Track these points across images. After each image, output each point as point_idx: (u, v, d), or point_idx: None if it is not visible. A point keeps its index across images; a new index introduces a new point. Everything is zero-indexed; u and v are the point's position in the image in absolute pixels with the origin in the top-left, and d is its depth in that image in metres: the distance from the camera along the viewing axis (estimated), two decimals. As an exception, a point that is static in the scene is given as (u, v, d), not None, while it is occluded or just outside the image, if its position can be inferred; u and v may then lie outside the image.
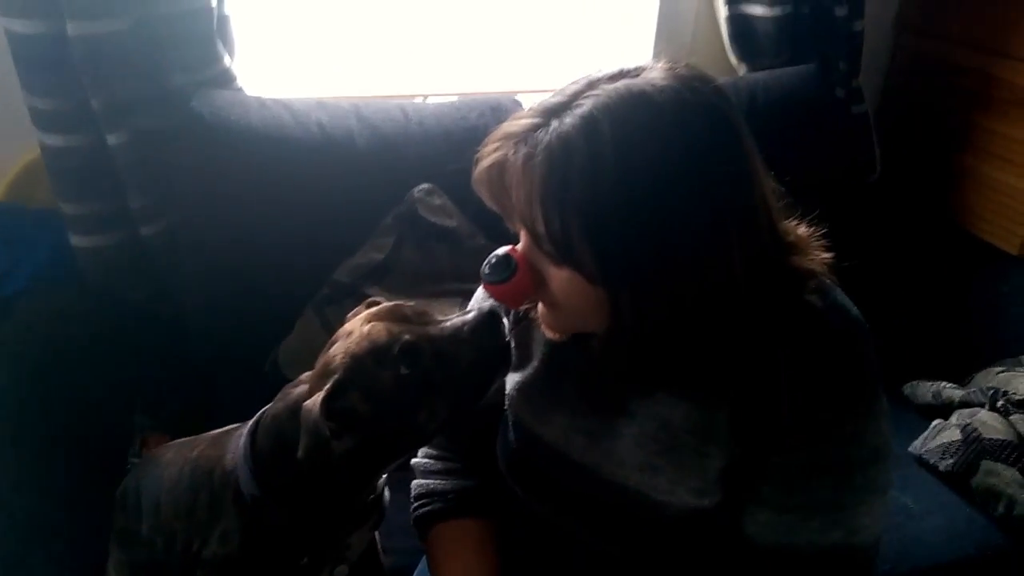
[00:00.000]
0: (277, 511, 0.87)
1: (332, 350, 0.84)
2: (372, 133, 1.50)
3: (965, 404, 1.39)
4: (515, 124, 0.72)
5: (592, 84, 0.70)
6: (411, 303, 0.89)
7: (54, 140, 1.39)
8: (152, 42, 1.36)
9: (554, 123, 0.68)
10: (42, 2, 1.28)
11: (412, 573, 1.06)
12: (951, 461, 1.29)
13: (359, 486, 0.90)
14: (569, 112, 0.68)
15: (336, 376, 0.81)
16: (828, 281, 0.80)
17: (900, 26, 1.95)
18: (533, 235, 0.73)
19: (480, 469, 1.00)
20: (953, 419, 1.35)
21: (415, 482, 1.03)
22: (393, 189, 1.49)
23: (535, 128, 0.69)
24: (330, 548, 0.92)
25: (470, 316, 0.83)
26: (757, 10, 1.72)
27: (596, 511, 0.86)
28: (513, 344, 0.92)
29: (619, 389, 0.83)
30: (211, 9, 1.39)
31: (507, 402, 0.93)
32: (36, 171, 1.49)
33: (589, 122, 0.67)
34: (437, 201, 1.48)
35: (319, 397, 0.79)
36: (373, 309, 0.87)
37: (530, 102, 1.41)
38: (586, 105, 0.68)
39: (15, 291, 1.51)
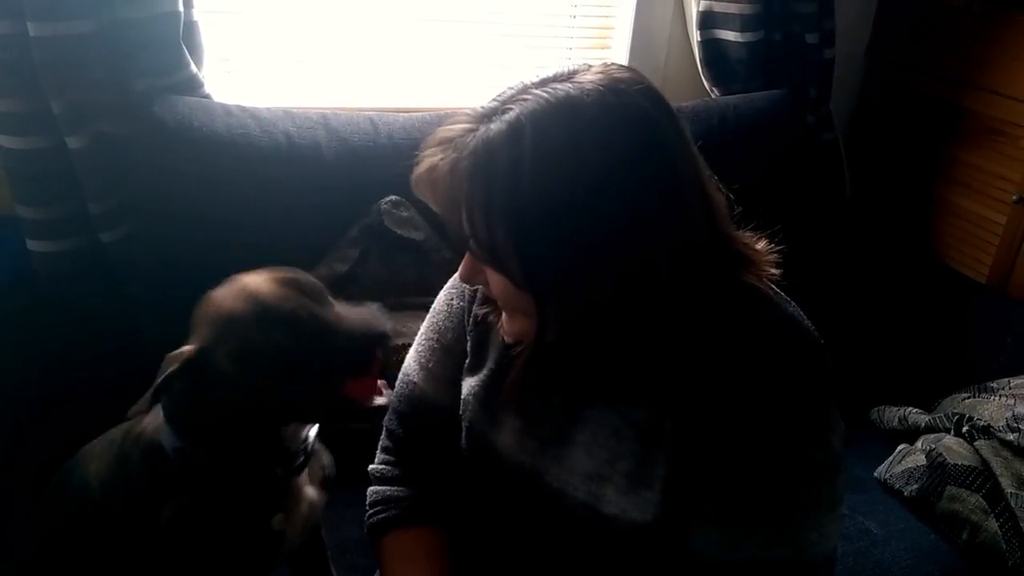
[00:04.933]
0: (200, 457, 0.86)
1: (217, 293, 0.84)
2: (340, 145, 1.49)
3: (931, 429, 1.38)
4: (450, 129, 0.71)
5: (524, 89, 0.70)
6: (310, 277, 0.88)
7: (13, 142, 1.36)
8: (116, 46, 1.34)
9: (482, 128, 0.68)
10: (3, 2, 1.26)
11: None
12: (916, 486, 1.27)
13: (259, 439, 0.88)
14: (498, 117, 0.68)
15: (208, 332, 0.81)
16: (779, 293, 0.79)
17: (871, 55, 1.97)
18: (463, 240, 0.72)
19: (435, 477, 0.98)
20: (918, 444, 1.34)
21: (370, 488, 1.00)
22: (360, 201, 1.48)
23: (466, 133, 0.69)
24: (267, 492, 0.90)
25: (364, 317, 0.83)
26: (730, 35, 1.74)
27: (546, 521, 0.84)
28: (472, 341, 0.91)
29: (567, 395, 0.81)
30: (178, 14, 1.37)
31: (462, 408, 0.91)
32: (-7, 174, 1.46)
33: (513, 128, 0.66)
34: (404, 213, 1.47)
35: (186, 351, 0.80)
36: (274, 270, 0.86)
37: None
38: (514, 111, 0.67)
39: (-32, 297, 1.47)
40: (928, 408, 1.45)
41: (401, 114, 1.56)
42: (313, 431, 0.96)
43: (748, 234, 0.77)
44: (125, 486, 0.92)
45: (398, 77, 1.73)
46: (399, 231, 1.46)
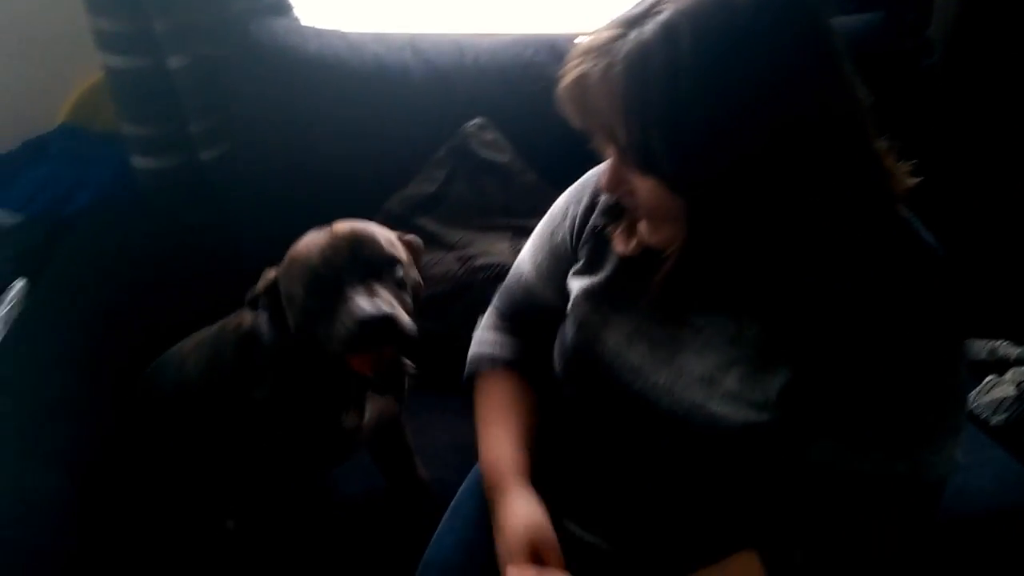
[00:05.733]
0: (291, 351, 0.96)
1: (307, 235, 0.95)
2: (427, 67, 1.50)
3: (1021, 362, 1.35)
4: (596, 38, 0.72)
5: None
6: (377, 246, 0.93)
7: (117, 61, 1.42)
8: (213, -35, 1.38)
9: (634, 32, 0.68)
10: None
11: (456, 490, 1.08)
12: (1003, 416, 1.26)
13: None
14: (649, 20, 0.68)
15: (283, 264, 0.94)
16: (915, 218, 0.78)
17: (974, -23, 1.87)
18: (616, 147, 0.73)
19: (535, 349, 1.02)
20: (1008, 376, 1.32)
21: (474, 335, 1.07)
22: (446, 123, 1.50)
23: (615, 39, 0.70)
24: (343, 389, 1.00)
25: (377, 310, 0.85)
26: (825, -45, 1.67)
27: (648, 418, 0.85)
28: (588, 249, 0.93)
29: (687, 303, 0.82)
30: (272, -66, 1.40)
31: (572, 304, 0.94)
32: (100, 93, 1.53)
33: (668, 29, 0.67)
34: (489, 136, 1.48)
35: (271, 274, 0.95)
36: (353, 231, 0.92)
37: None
38: (665, 12, 0.67)
39: (78, 210, 1.56)
40: (1021, 342, 1.42)
41: (487, 37, 1.56)
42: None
43: (883, 145, 0.75)
44: (219, 372, 1.04)
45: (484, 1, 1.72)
46: (484, 154, 1.48)
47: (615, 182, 0.78)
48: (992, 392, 1.30)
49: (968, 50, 1.91)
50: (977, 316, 1.50)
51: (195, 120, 1.48)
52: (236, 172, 1.52)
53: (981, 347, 1.44)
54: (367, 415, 1.05)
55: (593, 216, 0.93)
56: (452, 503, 1.06)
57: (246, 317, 1.04)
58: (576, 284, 0.94)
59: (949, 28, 1.91)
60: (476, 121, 1.49)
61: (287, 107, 1.46)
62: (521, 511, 0.87)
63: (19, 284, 1.47)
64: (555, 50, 1.52)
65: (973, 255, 1.63)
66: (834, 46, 0.69)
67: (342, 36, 1.50)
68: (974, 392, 1.33)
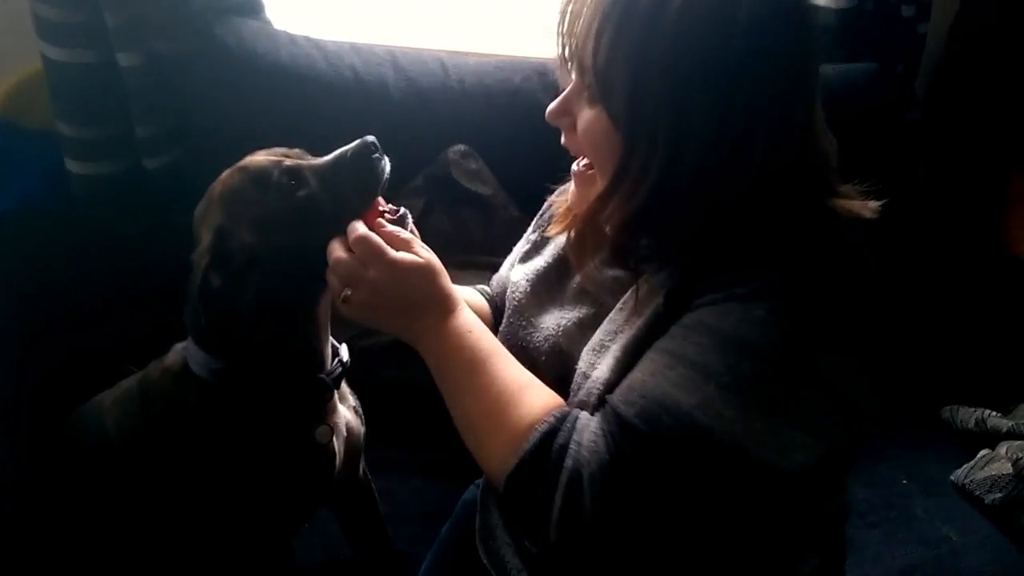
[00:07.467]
0: (239, 378, 0.85)
1: (209, 190, 0.84)
2: (408, 85, 1.39)
3: (1013, 436, 1.31)
4: None
5: None
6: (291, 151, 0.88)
7: (59, 54, 1.27)
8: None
9: None
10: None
11: (422, 561, 0.98)
12: (999, 495, 1.21)
13: (296, 331, 0.86)
14: None
15: (218, 220, 0.80)
16: (851, 223, 0.72)
17: (956, 31, 1.86)
18: (581, 68, 0.73)
19: None
20: (1002, 451, 1.27)
21: None
22: (426, 145, 1.39)
23: None
24: (308, 403, 0.89)
25: (350, 145, 0.85)
26: (821, 0, 1.63)
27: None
28: (536, 237, 1.00)
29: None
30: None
31: (511, 289, 0.96)
32: (35, 86, 1.37)
33: None
34: (473, 165, 1.38)
35: (205, 243, 0.79)
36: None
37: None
38: None
39: (2, 210, 1.39)
40: (1004, 411, 1.39)
41: (472, 57, 1.46)
42: (344, 350, 0.93)
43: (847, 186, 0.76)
44: (148, 427, 0.90)
45: (468, 18, 1.62)
46: (466, 184, 1.37)
47: (561, 110, 0.78)
48: (987, 468, 1.26)
49: (947, 107, 1.90)
50: (956, 383, 1.48)
51: (142, 124, 1.33)
52: (185, 184, 1.37)
53: (968, 416, 1.40)
54: (340, 427, 0.93)
55: (549, 198, 0.98)
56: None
57: (168, 362, 0.90)
58: (518, 270, 0.97)
59: (928, 81, 1.90)
60: (458, 147, 1.38)
61: (250, 116, 1.32)
62: None
63: (-80, 294, 1.29)
64: (544, 77, 1.43)
65: (950, 317, 1.62)
66: (814, 47, 0.72)
67: (317, 45, 1.37)
68: (967, 467, 1.29)
